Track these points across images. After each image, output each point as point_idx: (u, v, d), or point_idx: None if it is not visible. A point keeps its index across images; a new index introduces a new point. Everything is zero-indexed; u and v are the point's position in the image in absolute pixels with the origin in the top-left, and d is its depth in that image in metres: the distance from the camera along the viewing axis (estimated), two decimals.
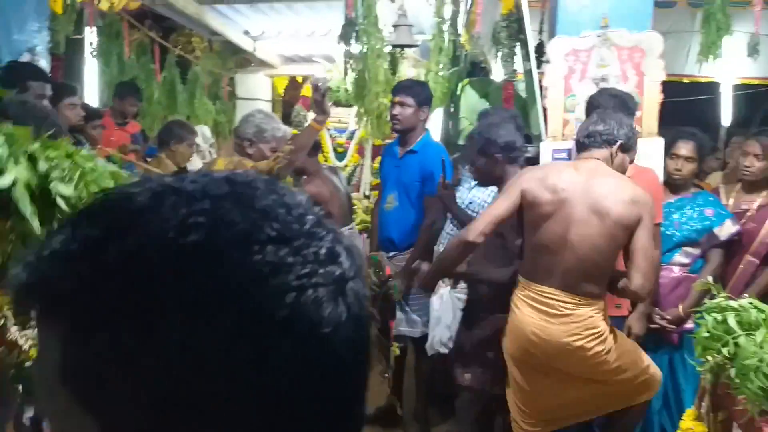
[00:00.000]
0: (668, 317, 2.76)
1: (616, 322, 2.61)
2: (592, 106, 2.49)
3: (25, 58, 3.63)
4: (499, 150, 2.41)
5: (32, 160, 1.62)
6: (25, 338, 1.77)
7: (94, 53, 4.44)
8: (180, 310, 0.35)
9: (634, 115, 2.61)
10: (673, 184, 2.89)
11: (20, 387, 1.85)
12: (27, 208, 1.58)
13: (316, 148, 4.18)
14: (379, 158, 5.95)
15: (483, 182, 2.58)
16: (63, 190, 1.62)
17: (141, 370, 0.35)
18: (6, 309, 1.78)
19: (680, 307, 2.76)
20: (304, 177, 3.61)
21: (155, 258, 0.36)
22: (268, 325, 0.36)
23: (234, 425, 0.36)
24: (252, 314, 0.36)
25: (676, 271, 2.82)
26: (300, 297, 0.37)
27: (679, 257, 2.82)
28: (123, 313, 0.35)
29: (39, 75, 2.97)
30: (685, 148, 2.82)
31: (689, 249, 2.82)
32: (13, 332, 1.75)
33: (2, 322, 1.75)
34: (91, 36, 4.48)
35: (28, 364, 1.77)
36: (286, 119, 7.66)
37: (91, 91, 4.77)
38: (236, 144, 3.11)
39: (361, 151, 6.50)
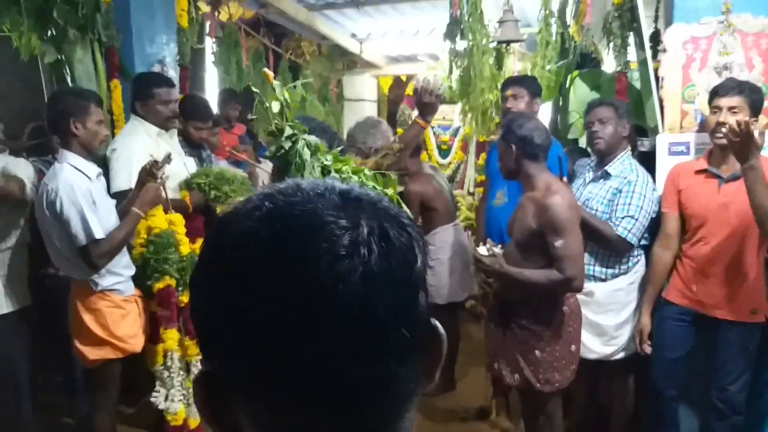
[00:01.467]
0: None
1: (749, 329, 2.48)
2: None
3: (156, 69, 3.97)
4: (515, 140, 2.36)
5: (323, 170, 1.79)
6: None
7: (215, 62, 4.75)
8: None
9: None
10: None
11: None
12: None
13: (418, 148, 4.25)
14: (483, 155, 5.93)
15: (503, 172, 2.51)
16: None
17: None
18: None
19: None
20: (406, 177, 3.70)
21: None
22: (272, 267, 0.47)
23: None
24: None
25: None
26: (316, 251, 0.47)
27: None
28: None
29: (163, 82, 3.16)
30: None
31: None
32: None
33: None
34: (210, 46, 4.83)
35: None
36: (392, 118, 7.80)
37: (212, 97, 5.13)
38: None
39: (465, 148, 6.50)
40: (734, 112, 2.37)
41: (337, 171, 1.78)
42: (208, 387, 0.51)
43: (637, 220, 2.60)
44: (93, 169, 2.55)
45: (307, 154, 1.71)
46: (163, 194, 2.65)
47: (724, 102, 2.40)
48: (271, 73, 1.98)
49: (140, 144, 2.90)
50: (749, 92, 2.39)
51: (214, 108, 4.75)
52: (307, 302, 0.46)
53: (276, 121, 1.76)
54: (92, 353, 2.55)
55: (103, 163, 2.88)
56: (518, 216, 2.42)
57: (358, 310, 0.46)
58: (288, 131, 1.73)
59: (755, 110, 2.39)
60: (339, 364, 0.46)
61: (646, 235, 2.72)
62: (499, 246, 2.43)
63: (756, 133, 2.13)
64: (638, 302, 2.73)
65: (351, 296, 0.46)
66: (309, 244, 0.47)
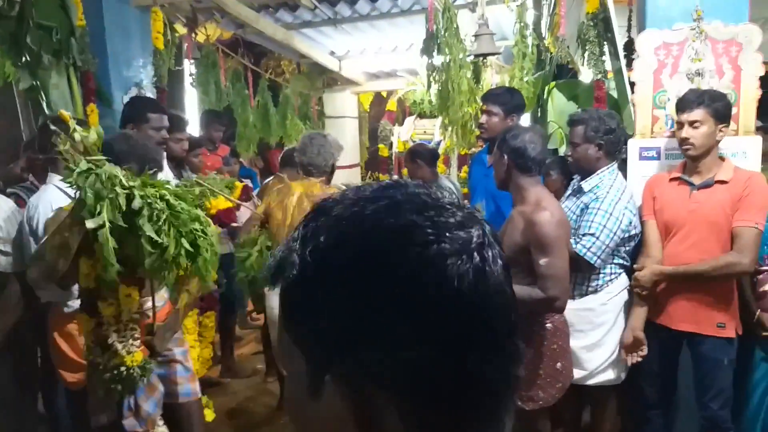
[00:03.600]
0: None
1: (718, 344, 2.48)
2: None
3: (133, 92, 3.95)
4: (508, 150, 2.32)
5: (129, 197, 1.84)
6: (122, 345, 1.99)
7: (194, 83, 4.74)
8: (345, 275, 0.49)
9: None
10: None
11: (119, 386, 2.05)
12: (109, 253, 1.81)
13: (435, 157, 4.30)
14: (465, 168, 5.96)
15: (496, 181, 2.46)
16: (147, 229, 1.85)
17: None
18: (108, 319, 1.99)
19: None
20: None
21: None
22: (398, 273, 0.47)
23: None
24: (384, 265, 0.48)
25: None
26: (425, 250, 0.48)
27: None
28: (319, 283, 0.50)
29: (157, 108, 3.16)
30: None
31: None
32: (113, 338, 1.99)
33: (105, 329, 1.97)
34: (189, 67, 4.81)
35: (122, 368, 2.02)
36: (373, 134, 7.83)
37: (192, 119, 5.10)
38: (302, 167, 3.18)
39: (446, 161, 6.52)
40: (696, 127, 2.40)
41: (144, 197, 1.87)
42: (346, 387, 0.49)
43: (597, 238, 2.51)
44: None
45: (98, 187, 1.81)
46: None
47: (685, 117, 2.42)
48: (67, 113, 2.07)
49: None
50: (710, 102, 2.38)
51: (197, 129, 4.75)
52: (468, 294, 0.48)
53: (75, 158, 1.86)
54: (69, 376, 2.55)
55: None
56: (507, 230, 2.37)
57: (500, 301, 0.50)
58: (83, 166, 1.83)
59: (720, 118, 2.39)
60: (489, 351, 0.49)
61: (623, 255, 2.66)
62: None
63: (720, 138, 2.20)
64: (614, 324, 2.65)
65: (493, 286, 0.50)
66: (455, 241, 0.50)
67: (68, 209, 1.97)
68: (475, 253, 0.49)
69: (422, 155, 4.23)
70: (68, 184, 1.89)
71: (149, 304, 2.21)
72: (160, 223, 1.87)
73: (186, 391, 2.47)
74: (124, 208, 1.82)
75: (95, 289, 2.04)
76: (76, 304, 2.53)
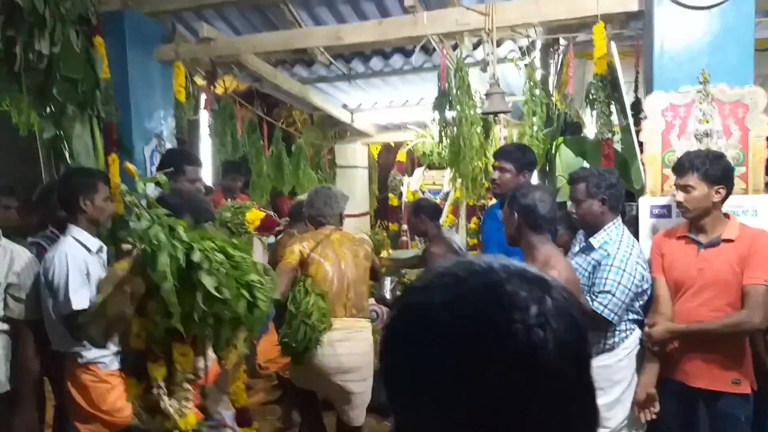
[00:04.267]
0: None
1: (735, 401, 2.47)
2: None
3: (154, 143, 4.07)
4: (518, 208, 2.34)
5: (188, 249, 1.82)
6: (173, 408, 1.94)
7: (211, 133, 4.86)
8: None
9: None
10: None
11: None
12: (172, 302, 1.79)
13: (438, 211, 4.37)
14: (474, 219, 6.02)
15: (506, 237, 2.49)
16: (207, 281, 1.81)
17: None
18: (160, 381, 1.95)
19: None
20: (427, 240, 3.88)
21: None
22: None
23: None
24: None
25: None
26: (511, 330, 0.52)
27: None
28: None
29: (193, 160, 3.29)
30: None
31: None
32: (165, 402, 1.93)
33: (156, 392, 1.93)
34: (204, 117, 4.95)
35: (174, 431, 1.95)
36: (383, 183, 7.93)
37: (206, 168, 5.21)
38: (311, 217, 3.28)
39: (455, 212, 6.58)
40: (689, 191, 2.45)
41: (202, 250, 1.84)
42: None
43: (614, 295, 2.50)
44: (95, 242, 2.65)
45: (162, 238, 1.79)
46: None
47: (678, 182, 2.50)
48: (132, 167, 2.09)
49: None
50: (702, 166, 2.42)
51: (210, 178, 4.84)
52: (509, 369, 0.51)
53: (136, 211, 1.87)
54: (83, 428, 2.55)
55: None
56: None
57: (553, 377, 0.51)
58: (146, 220, 1.82)
59: (714, 181, 2.42)
60: (528, 425, 0.50)
61: (637, 309, 2.66)
62: None
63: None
64: (632, 380, 2.64)
65: (547, 364, 0.51)
66: (501, 313, 0.52)
67: (123, 266, 1.92)
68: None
69: (425, 209, 4.28)
70: (131, 239, 1.87)
71: (201, 363, 2.16)
72: (220, 276, 1.83)
73: None
74: (183, 263, 1.79)
75: (145, 350, 1.96)
76: (90, 354, 2.57)
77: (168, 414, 1.95)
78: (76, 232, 2.59)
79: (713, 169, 2.41)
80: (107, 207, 2.70)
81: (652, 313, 2.61)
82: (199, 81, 4.84)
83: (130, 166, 2.09)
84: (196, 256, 1.80)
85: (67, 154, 3.58)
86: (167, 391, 1.97)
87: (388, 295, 3.91)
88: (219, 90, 5.01)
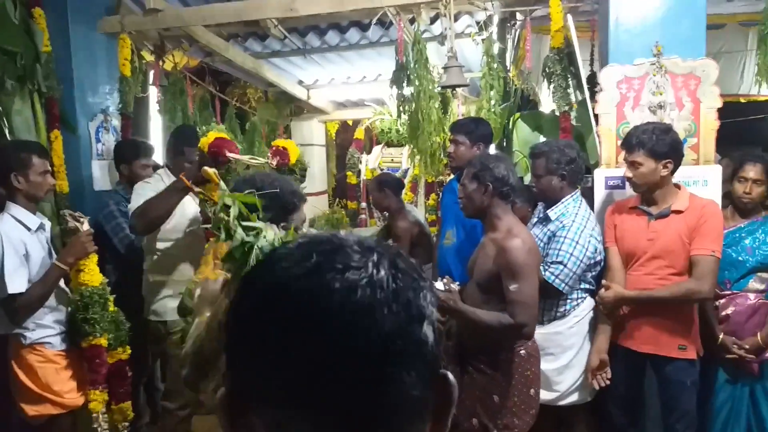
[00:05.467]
0: (746, 346, 2.66)
1: (681, 366, 2.54)
2: None
3: (99, 119, 3.89)
4: (492, 179, 2.36)
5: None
6: None
7: (161, 110, 4.69)
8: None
9: None
10: (742, 208, 2.81)
11: None
12: None
13: (400, 186, 4.33)
14: (433, 195, 6.02)
15: (467, 210, 2.49)
16: None
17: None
18: None
19: (759, 335, 2.66)
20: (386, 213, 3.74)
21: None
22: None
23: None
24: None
25: (752, 298, 2.72)
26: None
27: (754, 283, 2.73)
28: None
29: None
30: (753, 171, 2.75)
31: (764, 274, 2.72)
32: None
33: None
34: (154, 94, 4.77)
35: None
36: (341, 161, 7.86)
37: (157, 146, 5.03)
38: None
39: (414, 189, 6.58)
40: (636, 167, 2.50)
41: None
42: (228, 403, 0.56)
43: (565, 266, 2.56)
44: (34, 220, 2.54)
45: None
46: (92, 246, 2.56)
47: (626, 158, 2.56)
48: (212, 171, 1.92)
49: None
50: (648, 142, 2.46)
51: (162, 157, 4.67)
52: (315, 308, 0.51)
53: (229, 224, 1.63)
54: (30, 409, 2.49)
55: None
56: (479, 257, 2.40)
57: (367, 311, 0.51)
58: (239, 236, 1.58)
59: (660, 156, 2.46)
60: (340, 366, 0.50)
61: (589, 280, 2.72)
62: (457, 284, 2.42)
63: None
64: (582, 346, 2.70)
65: (361, 299, 0.51)
66: (323, 261, 0.53)
67: (217, 275, 1.70)
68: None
69: (389, 184, 4.26)
70: (224, 262, 1.64)
71: None
72: None
73: None
74: None
75: None
76: (34, 335, 2.50)
77: None
78: (14, 209, 2.48)
79: (659, 145, 2.46)
80: (45, 182, 2.56)
81: (606, 282, 2.66)
82: (148, 56, 4.65)
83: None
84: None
85: (6, 131, 3.41)
86: None
87: None
88: (169, 65, 4.83)
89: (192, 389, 1.76)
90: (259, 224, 1.64)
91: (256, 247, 1.57)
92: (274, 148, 2.74)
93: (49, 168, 2.63)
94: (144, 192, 2.76)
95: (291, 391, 0.50)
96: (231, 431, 0.56)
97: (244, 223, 1.63)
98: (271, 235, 1.61)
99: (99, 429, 2.60)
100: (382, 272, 0.53)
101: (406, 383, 0.52)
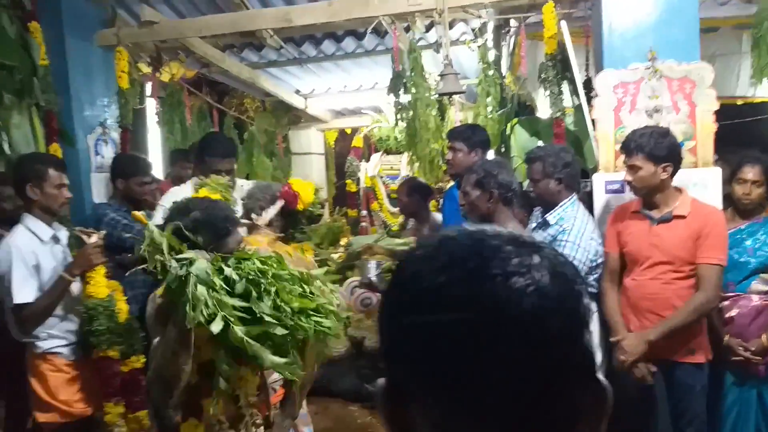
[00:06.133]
0: (752, 348, 2.65)
1: (690, 370, 2.53)
2: None
3: (98, 131, 3.90)
4: (496, 185, 2.40)
5: (228, 283, 1.67)
6: None
7: (159, 122, 4.70)
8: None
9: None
10: (742, 210, 2.81)
11: None
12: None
13: (429, 192, 4.28)
14: (434, 202, 6.01)
15: (474, 216, 2.52)
16: (263, 308, 1.67)
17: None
18: (220, 416, 1.79)
19: (763, 336, 2.65)
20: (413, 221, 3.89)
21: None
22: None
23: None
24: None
25: (756, 300, 2.71)
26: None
27: (756, 285, 2.72)
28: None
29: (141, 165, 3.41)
30: (752, 172, 2.75)
31: (767, 276, 2.71)
32: None
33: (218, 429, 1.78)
34: (152, 106, 4.78)
35: None
36: (340, 169, 7.86)
37: (155, 158, 5.04)
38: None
39: None
40: (635, 170, 2.50)
41: (244, 276, 1.68)
42: (387, 395, 0.57)
43: None
44: (47, 232, 2.58)
45: (200, 290, 1.61)
46: (99, 258, 2.57)
47: (625, 161, 2.55)
48: (141, 214, 1.98)
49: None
50: (646, 146, 2.46)
51: (162, 168, 4.70)
52: (484, 314, 0.50)
53: (161, 258, 1.69)
54: (41, 416, 2.54)
55: None
56: None
57: (531, 323, 0.50)
58: (175, 273, 1.63)
59: (659, 159, 2.46)
60: (509, 374, 0.50)
61: (591, 282, 2.70)
62: None
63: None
64: None
65: (528, 309, 0.50)
66: (483, 264, 0.52)
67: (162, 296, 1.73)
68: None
69: (421, 189, 4.13)
70: (161, 295, 1.72)
71: (274, 376, 2.08)
72: (272, 296, 1.68)
73: None
74: (226, 298, 1.64)
75: (197, 385, 1.78)
76: (46, 344, 2.54)
77: None
78: (29, 220, 2.54)
79: (658, 148, 2.45)
80: (60, 195, 2.60)
81: (608, 283, 2.64)
82: (144, 68, 4.67)
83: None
84: (239, 287, 1.67)
85: (6, 146, 3.41)
86: (231, 424, 1.83)
87: (375, 279, 3.77)
88: (165, 77, 4.85)
89: (160, 408, 1.81)
90: (190, 254, 1.69)
91: (191, 275, 1.61)
92: (286, 188, 2.66)
93: (66, 182, 2.66)
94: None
95: (456, 391, 0.51)
96: (389, 421, 0.57)
97: (177, 256, 1.67)
98: (203, 263, 1.65)
99: None
100: (546, 277, 0.52)
101: (571, 391, 0.52)
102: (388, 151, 6.62)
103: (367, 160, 7.01)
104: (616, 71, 2.91)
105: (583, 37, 3.98)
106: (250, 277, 1.70)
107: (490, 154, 4.32)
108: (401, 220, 6.57)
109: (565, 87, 3.35)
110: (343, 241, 6.31)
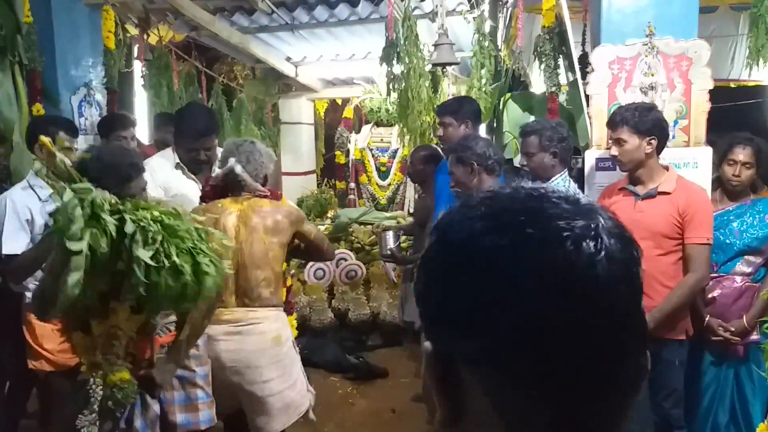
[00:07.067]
0: (732, 329, 2.68)
1: (669, 346, 2.54)
2: None
3: (82, 92, 3.81)
4: (476, 158, 2.45)
5: (121, 221, 1.72)
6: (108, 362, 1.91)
7: (145, 86, 4.60)
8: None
9: None
10: (731, 191, 2.81)
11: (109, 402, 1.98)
12: (77, 283, 1.67)
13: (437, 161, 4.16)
14: None
15: (463, 191, 2.55)
16: (142, 254, 1.72)
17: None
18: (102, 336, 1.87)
19: (744, 317, 2.67)
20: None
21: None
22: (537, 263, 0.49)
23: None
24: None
25: (739, 281, 2.73)
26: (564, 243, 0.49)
27: (740, 266, 2.74)
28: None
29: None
30: (742, 154, 2.74)
31: (751, 257, 2.73)
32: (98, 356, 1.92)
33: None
34: (139, 69, 4.68)
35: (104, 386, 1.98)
36: (330, 141, 7.79)
37: (142, 122, 4.94)
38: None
39: (403, 169, 6.54)
40: (621, 144, 2.49)
41: (135, 221, 1.74)
42: (439, 360, 0.55)
43: None
44: (47, 191, 2.56)
45: (80, 220, 1.67)
46: None
47: (612, 136, 2.54)
48: (47, 140, 1.96)
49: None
50: (632, 118, 2.45)
51: (147, 133, 4.61)
52: (559, 279, 0.48)
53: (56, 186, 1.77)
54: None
55: None
56: None
57: (605, 287, 0.48)
58: (69, 198, 1.68)
59: (644, 132, 2.45)
60: (580, 342, 0.48)
61: None
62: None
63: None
64: None
65: (601, 274, 0.48)
66: (549, 227, 0.49)
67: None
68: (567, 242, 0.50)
69: (436, 159, 3.90)
70: (53, 215, 1.77)
71: (171, 318, 2.15)
72: (157, 245, 1.74)
73: (206, 417, 2.29)
74: (114, 235, 1.71)
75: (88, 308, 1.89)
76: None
77: (100, 365, 1.92)
78: (33, 178, 2.61)
79: (642, 121, 2.45)
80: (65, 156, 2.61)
81: None
82: (132, 30, 4.55)
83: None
84: (129, 227, 1.73)
85: None
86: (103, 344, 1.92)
87: (395, 250, 3.62)
88: (153, 39, 4.73)
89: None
90: (88, 185, 1.77)
91: (83, 203, 1.68)
92: None
93: (76, 146, 2.76)
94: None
95: (522, 358, 0.49)
96: (439, 386, 0.56)
97: (75, 186, 1.75)
98: (102, 195, 1.75)
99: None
100: (612, 240, 0.50)
101: (637, 358, 0.52)
102: (378, 123, 6.56)
103: (357, 132, 6.95)
104: (613, 47, 2.87)
105: (581, 12, 3.94)
106: (142, 224, 1.75)
107: (482, 129, 4.28)
108: (389, 194, 6.57)
109: (561, 62, 3.31)
110: (330, 213, 6.29)
